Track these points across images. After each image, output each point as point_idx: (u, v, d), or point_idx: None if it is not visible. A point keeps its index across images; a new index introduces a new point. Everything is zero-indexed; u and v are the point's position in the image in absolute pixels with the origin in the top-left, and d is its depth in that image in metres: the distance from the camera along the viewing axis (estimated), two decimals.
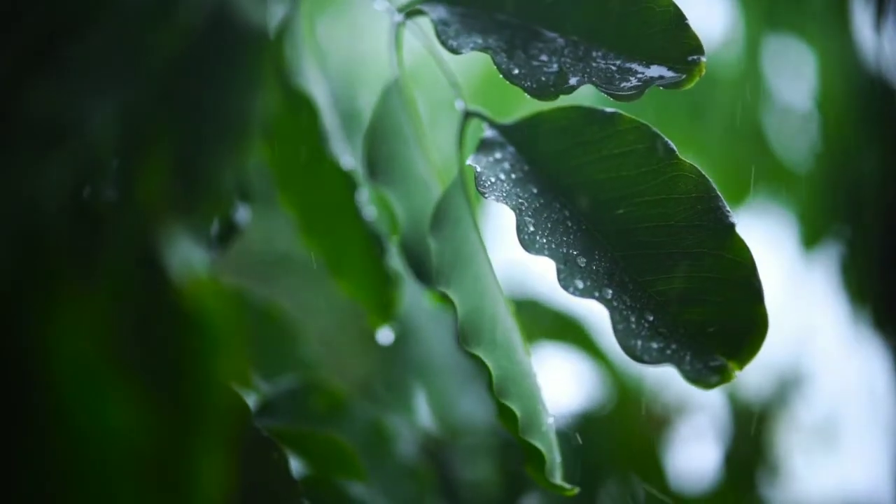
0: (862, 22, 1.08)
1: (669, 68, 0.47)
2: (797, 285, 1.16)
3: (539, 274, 1.11)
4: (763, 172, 1.17)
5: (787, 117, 1.19)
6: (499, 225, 1.09)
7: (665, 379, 1.13)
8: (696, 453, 1.10)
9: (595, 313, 1.09)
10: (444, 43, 0.51)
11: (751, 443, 1.10)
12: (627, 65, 0.48)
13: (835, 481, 1.13)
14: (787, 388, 1.14)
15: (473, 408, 0.99)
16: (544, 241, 0.47)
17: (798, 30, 1.16)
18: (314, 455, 0.61)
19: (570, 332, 1.08)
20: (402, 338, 1.01)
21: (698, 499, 1.07)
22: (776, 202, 1.19)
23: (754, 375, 1.14)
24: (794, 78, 1.19)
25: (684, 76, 0.47)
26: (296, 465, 0.60)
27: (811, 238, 1.17)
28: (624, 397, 1.08)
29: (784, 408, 1.13)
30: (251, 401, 0.63)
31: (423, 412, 1.01)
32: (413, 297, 0.94)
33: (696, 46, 0.47)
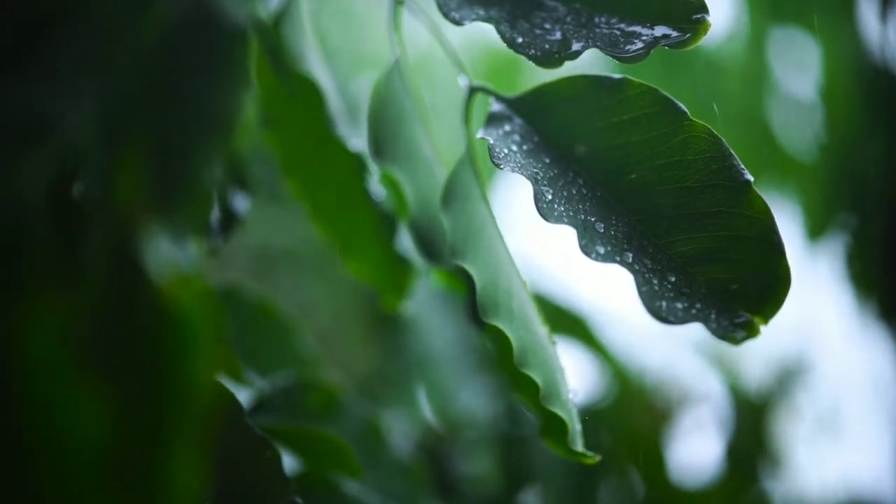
0: (867, 12, 1.08)
1: (674, 28, 0.47)
2: (801, 276, 1.15)
3: (540, 268, 1.11)
4: (768, 163, 1.17)
5: (791, 108, 1.19)
6: (500, 219, 1.09)
7: (666, 372, 1.13)
8: (698, 446, 1.10)
9: (596, 307, 1.09)
10: (446, 15, 0.51)
11: (753, 435, 1.10)
12: (631, 28, 0.48)
13: (838, 472, 1.13)
14: (790, 380, 1.14)
15: (473, 401, 0.99)
16: (562, 209, 0.47)
17: (803, 21, 1.16)
18: (309, 452, 0.60)
19: (571, 326, 1.08)
20: (403, 331, 1.01)
21: (701, 491, 1.07)
22: (781, 193, 1.19)
23: (757, 367, 1.14)
24: (798, 69, 1.19)
25: (689, 35, 0.47)
26: (291, 462, 0.59)
27: (816, 229, 1.17)
28: (625, 390, 1.08)
29: (787, 399, 1.13)
30: (247, 398, 0.63)
31: (424, 406, 1.01)
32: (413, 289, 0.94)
33: (700, 5, 0.47)
